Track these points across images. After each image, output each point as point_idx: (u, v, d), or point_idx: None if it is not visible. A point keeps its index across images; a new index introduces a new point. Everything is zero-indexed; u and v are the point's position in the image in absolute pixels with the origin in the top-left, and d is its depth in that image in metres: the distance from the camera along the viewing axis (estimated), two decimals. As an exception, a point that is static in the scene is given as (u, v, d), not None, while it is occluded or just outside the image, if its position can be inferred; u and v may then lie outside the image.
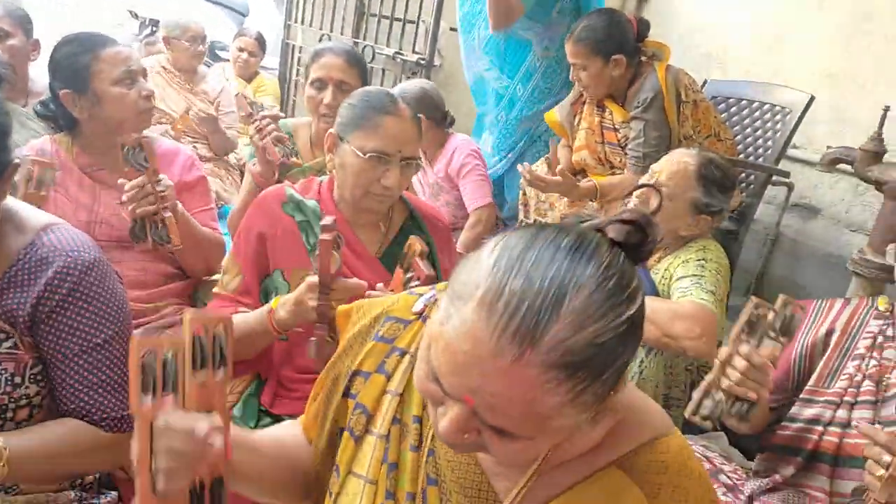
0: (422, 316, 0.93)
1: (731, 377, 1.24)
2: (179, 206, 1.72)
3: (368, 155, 1.46)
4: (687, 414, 1.29)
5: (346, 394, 0.93)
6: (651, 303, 1.70)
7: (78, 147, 1.83)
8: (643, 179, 1.88)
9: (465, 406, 0.66)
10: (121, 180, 1.62)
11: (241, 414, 1.49)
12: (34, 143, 1.85)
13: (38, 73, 2.53)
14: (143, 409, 0.75)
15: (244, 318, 1.42)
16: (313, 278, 1.30)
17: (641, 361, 1.68)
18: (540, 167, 2.58)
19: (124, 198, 1.61)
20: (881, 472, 1.08)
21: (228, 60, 4.32)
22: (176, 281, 1.86)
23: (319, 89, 2.07)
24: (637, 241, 0.72)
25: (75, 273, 1.10)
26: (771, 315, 1.25)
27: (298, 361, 1.49)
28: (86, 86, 1.74)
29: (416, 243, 1.39)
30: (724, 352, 1.27)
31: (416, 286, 1.35)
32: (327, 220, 1.29)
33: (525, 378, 0.62)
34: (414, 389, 0.86)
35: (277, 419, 1.49)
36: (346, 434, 0.90)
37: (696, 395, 1.30)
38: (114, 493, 1.25)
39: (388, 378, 0.90)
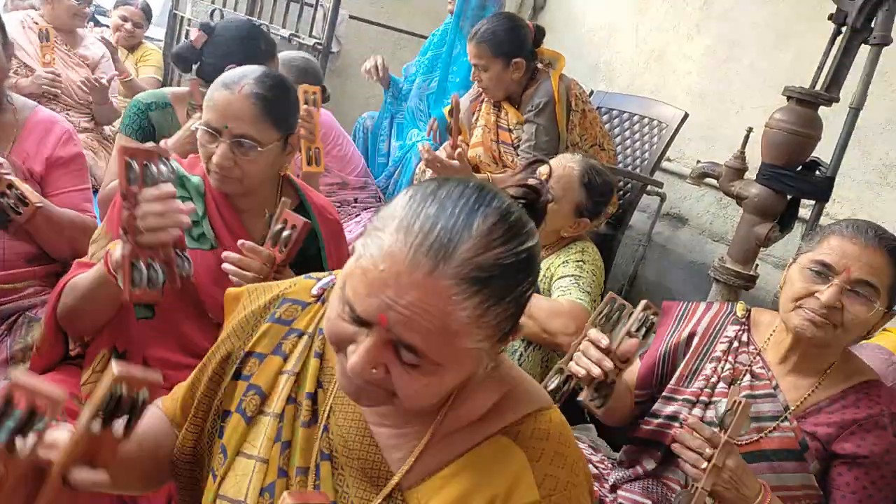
0: (320, 298, 0.94)
1: (573, 358, 1.32)
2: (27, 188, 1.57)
3: (201, 126, 1.41)
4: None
5: (237, 376, 0.92)
6: (533, 300, 1.78)
7: None
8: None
9: (378, 332, 0.69)
10: None
11: None
12: None
13: None
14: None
15: (87, 273, 1.30)
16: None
17: (521, 355, 1.75)
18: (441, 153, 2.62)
19: None
20: (704, 464, 1.18)
21: (108, 27, 4.02)
22: (40, 262, 1.72)
23: None
24: (531, 202, 0.82)
25: None
26: (629, 313, 1.34)
27: (166, 338, 1.42)
28: None
29: (284, 200, 1.38)
30: (578, 339, 1.34)
31: (288, 234, 1.35)
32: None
33: (438, 289, 0.67)
34: (309, 368, 0.88)
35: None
36: (235, 415, 0.89)
37: (549, 374, 1.38)
38: None
39: (285, 359, 0.90)
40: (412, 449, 0.82)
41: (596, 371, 1.28)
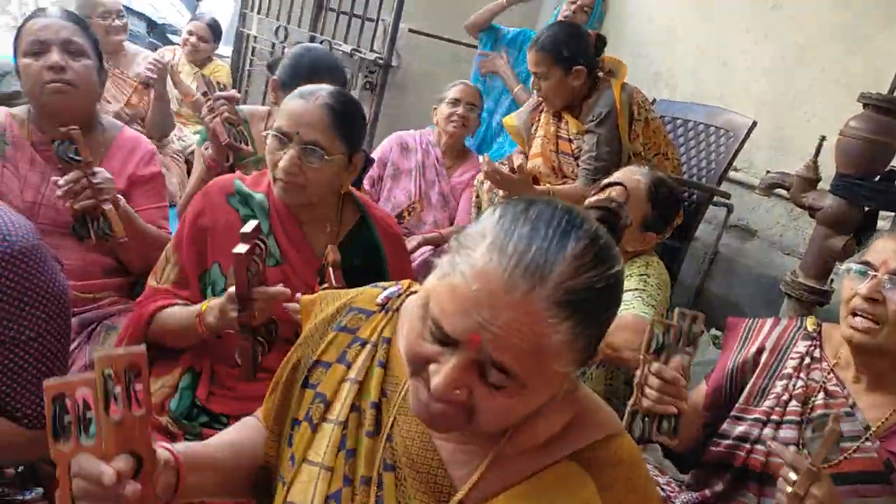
0: (384, 307, 0.95)
1: (649, 397, 1.27)
2: (122, 200, 1.65)
3: (272, 133, 1.45)
4: None
5: (306, 384, 0.93)
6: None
7: (33, 124, 1.74)
8: (594, 192, 1.92)
9: (466, 352, 0.69)
10: (54, 177, 1.55)
11: (177, 408, 1.44)
12: None
13: None
14: (58, 454, 0.72)
15: (176, 313, 1.38)
16: (233, 289, 1.25)
17: (584, 372, 1.72)
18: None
19: (59, 193, 1.53)
20: (788, 489, 1.13)
21: (178, 44, 4.20)
22: (117, 275, 1.79)
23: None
24: (611, 225, 0.82)
25: (11, 248, 1.04)
26: (672, 330, 1.28)
27: (233, 355, 1.46)
28: (17, 58, 1.69)
29: (330, 253, 1.39)
30: (637, 375, 1.30)
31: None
32: (247, 226, 1.20)
33: (533, 311, 0.66)
34: (373, 377, 0.89)
35: (213, 417, 1.45)
36: (303, 423, 0.91)
37: (625, 419, 1.32)
38: (39, 490, 1.19)
39: (348, 367, 0.91)
40: (477, 466, 0.81)
41: (673, 410, 1.25)
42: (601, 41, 2.55)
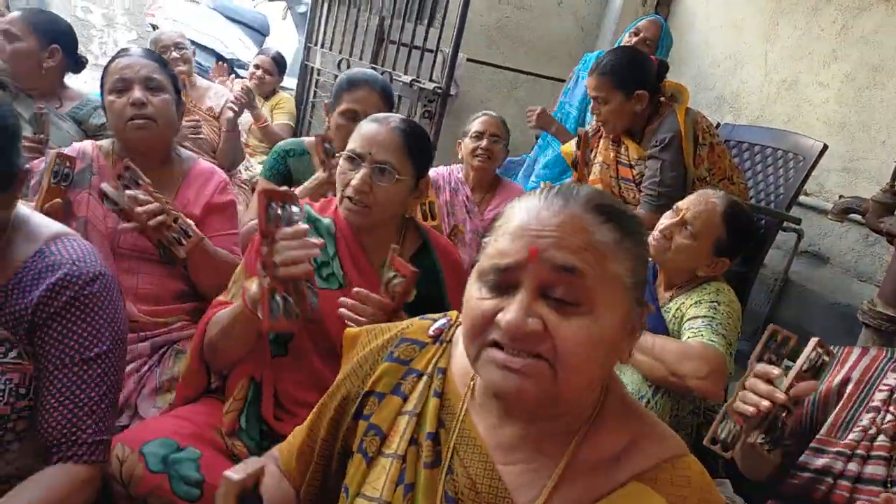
0: (437, 339, 0.95)
1: (741, 397, 1.20)
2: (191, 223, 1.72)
3: (345, 154, 1.50)
4: (705, 441, 1.26)
5: (358, 415, 0.93)
6: (660, 341, 1.70)
7: (116, 154, 1.84)
8: (667, 215, 1.88)
9: (529, 280, 0.75)
10: (125, 207, 1.63)
11: (246, 426, 1.47)
12: (77, 144, 1.87)
13: (75, 79, 2.56)
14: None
15: (227, 310, 1.40)
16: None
17: (648, 401, 1.67)
18: None
19: (137, 210, 1.60)
20: None
21: (246, 78, 4.36)
22: (188, 299, 1.85)
23: (352, 120, 2.06)
24: None
25: (78, 283, 1.08)
26: (794, 348, 1.22)
27: (297, 375, 1.48)
28: (103, 94, 1.80)
29: (392, 247, 1.43)
30: (743, 376, 1.24)
31: (398, 283, 1.38)
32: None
33: (575, 214, 0.77)
34: (429, 409, 0.88)
35: (280, 438, 1.47)
36: (357, 455, 0.90)
37: (715, 422, 1.26)
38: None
39: (405, 399, 0.91)
40: (542, 487, 0.80)
41: (765, 404, 1.17)
42: (663, 67, 2.52)
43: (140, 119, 1.75)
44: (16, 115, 1.05)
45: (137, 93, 1.75)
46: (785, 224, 2.74)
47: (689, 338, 1.66)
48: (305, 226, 1.26)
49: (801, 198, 2.93)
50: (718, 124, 3.11)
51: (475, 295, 0.78)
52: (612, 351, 0.78)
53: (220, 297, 1.55)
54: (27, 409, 1.09)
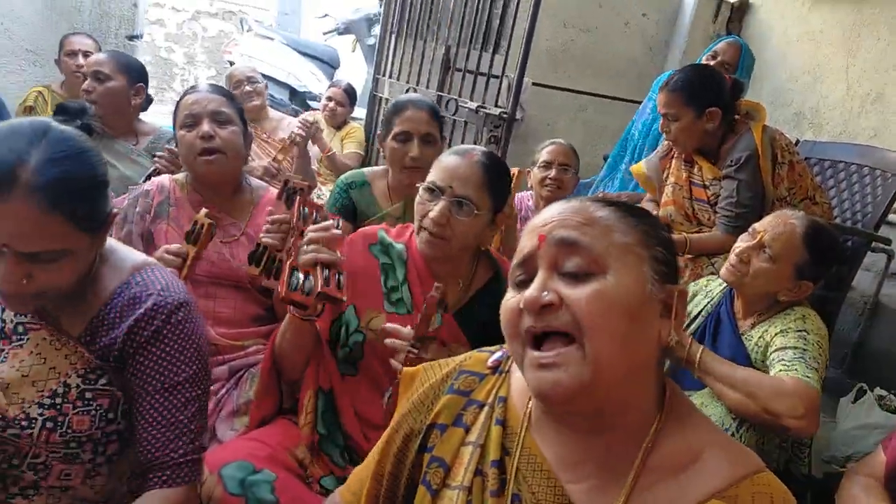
0: (496, 370, 0.96)
1: None
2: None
3: (424, 185, 1.53)
4: None
5: (422, 448, 0.93)
6: (750, 375, 1.60)
7: (191, 186, 1.93)
8: (743, 238, 1.81)
9: (543, 264, 0.81)
10: (269, 208, 1.73)
11: (327, 433, 1.48)
12: (155, 179, 1.98)
13: (149, 116, 2.72)
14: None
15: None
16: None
17: (733, 434, 1.58)
18: None
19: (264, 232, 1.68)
20: None
21: (318, 109, 4.50)
22: (263, 323, 1.90)
23: (404, 142, 2.10)
24: None
25: (164, 312, 1.12)
26: None
27: (370, 395, 1.49)
28: (175, 129, 1.91)
29: (434, 291, 1.42)
30: None
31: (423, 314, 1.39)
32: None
33: (575, 204, 0.85)
34: (492, 438, 0.88)
35: (363, 452, 1.47)
36: (421, 488, 0.90)
37: None
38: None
39: (467, 430, 0.91)
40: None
41: None
42: (738, 85, 2.44)
43: (209, 153, 1.84)
44: (104, 162, 1.10)
45: (206, 126, 1.83)
46: (874, 244, 2.59)
47: (779, 371, 1.56)
48: (331, 222, 1.42)
49: (891, 216, 2.76)
50: (798, 141, 2.98)
51: (506, 298, 0.85)
52: (638, 320, 0.79)
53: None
54: (115, 433, 1.13)
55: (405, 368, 1.06)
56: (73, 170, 0.99)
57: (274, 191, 2.05)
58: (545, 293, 0.78)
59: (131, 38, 4.45)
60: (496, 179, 1.53)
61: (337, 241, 1.41)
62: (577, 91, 4.27)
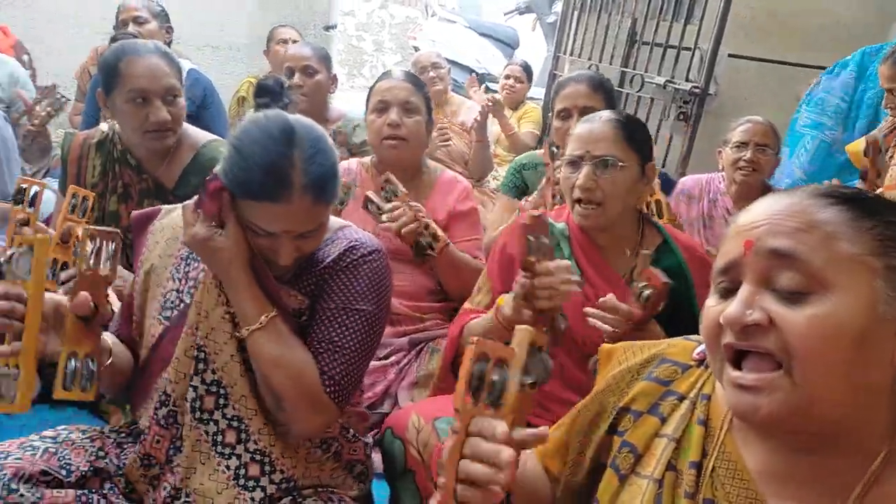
0: (702, 363, 0.88)
1: None
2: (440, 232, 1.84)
3: (565, 161, 1.51)
4: None
5: (613, 430, 0.90)
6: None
7: (374, 168, 2.09)
8: None
9: (750, 274, 0.71)
10: (384, 216, 1.78)
11: None
12: (344, 163, 2.13)
13: (337, 101, 2.92)
14: (466, 406, 0.74)
15: (480, 321, 1.47)
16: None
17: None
18: None
19: (387, 222, 1.77)
20: None
21: (496, 91, 4.53)
22: (438, 298, 1.99)
23: (565, 119, 2.11)
24: None
25: (361, 251, 1.23)
26: None
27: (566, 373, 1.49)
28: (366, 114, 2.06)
29: (644, 253, 1.40)
30: None
31: (649, 293, 1.32)
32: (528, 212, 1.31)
33: (792, 203, 0.72)
34: (692, 436, 0.83)
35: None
36: (609, 470, 0.88)
37: None
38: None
39: (663, 421, 0.86)
40: None
41: None
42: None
43: (394, 139, 1.96)
44: (336, 151, 1.22)
45: (394, 115, 1.97)
46: None
47: None
48: (566, 262, 1.29)
49: None
50: None
51: (708, 305, 0.77)
52: (866, 346, 0.66)
53: (467, 305, 1.62)
54: None
55: (603, 345, 1.03)
56: (325, 162, 1.13)
57: (449, 172, 2.12)
58: (749, 311, 0.70)
59: (327, 28, 4.78)
60: (633, 131, 1.50)
61: (571, 281, 1.32)
62: (782, 62, 3.86)
